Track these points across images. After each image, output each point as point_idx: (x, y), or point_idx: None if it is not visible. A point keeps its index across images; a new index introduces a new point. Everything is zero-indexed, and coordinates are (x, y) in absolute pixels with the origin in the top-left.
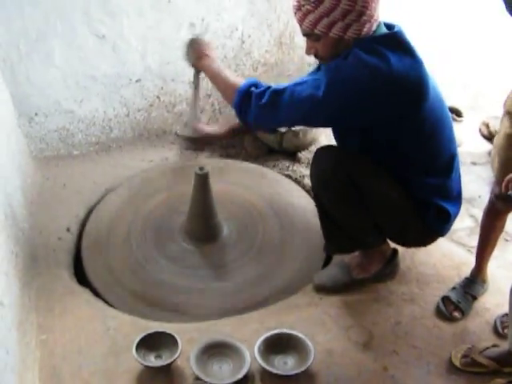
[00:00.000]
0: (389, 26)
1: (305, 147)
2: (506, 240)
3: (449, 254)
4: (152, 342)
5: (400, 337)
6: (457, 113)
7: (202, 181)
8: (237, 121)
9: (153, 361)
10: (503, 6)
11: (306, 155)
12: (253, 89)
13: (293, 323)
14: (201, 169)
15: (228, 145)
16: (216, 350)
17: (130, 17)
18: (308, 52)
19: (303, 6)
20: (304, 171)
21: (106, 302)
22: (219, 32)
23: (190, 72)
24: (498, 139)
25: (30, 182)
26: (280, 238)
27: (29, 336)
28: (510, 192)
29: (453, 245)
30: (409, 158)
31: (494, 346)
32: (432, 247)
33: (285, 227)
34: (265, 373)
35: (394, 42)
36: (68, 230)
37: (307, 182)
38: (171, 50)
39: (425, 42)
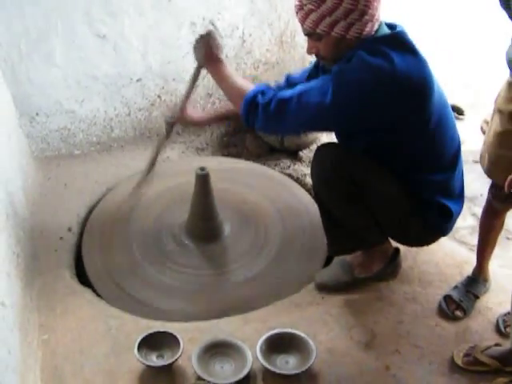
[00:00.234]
0: (391, 26)
1: (306, 146)
2: (508, 238)
3: (451, 253)
4: (154, 342)
5: (402, 336)
6: (458, 111)
7: (203, 181)
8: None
9: (154, 360)
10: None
11: (308, 154)
12: (259, 98)
13: (295, 322)
14: (202, 169)
15: (229, 144)
16: (218, 349)
17: (131, 16)
18: (309, 51)
19: (305, 5)
20: (305, 170)
21: (107, 301)
22: (220, 31)
23: (191, 71)
24: (487, 137)
25: (31, 182)
26: (281, 237)
27: (30, 336)
28: None
29: (455, 244)
30: (412, 157)
31: (497, 344)
32: (434, 246)
33: (286, 226)
34: (267, 372)
35: (397, 41)
36: (69, 229)
37: (308, 180)
38: (172, 49)
39: (426, 41)
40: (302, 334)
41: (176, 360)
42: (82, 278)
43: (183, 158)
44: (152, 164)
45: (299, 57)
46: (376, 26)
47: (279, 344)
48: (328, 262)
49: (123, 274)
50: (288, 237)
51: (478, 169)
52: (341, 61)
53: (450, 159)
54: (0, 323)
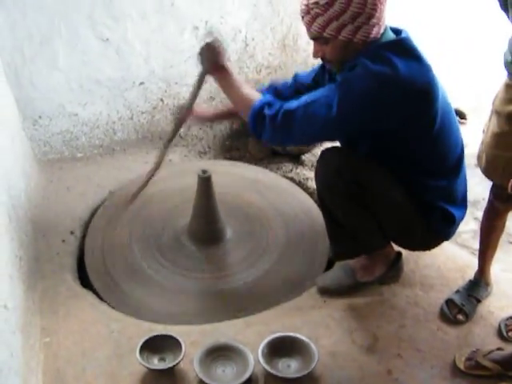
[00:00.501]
0: (395, 31)
1: (308, 150)
2: (510, 242)
3: (453, 257)
4: (155, 345)
5: (404, 340)
6: (461, 115)
7: (205, 184)
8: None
9: (156, 363)
10: (497, 2)
11: (310, 158)
12: (266, 110)
13: (297, 326)
14: (204, 172)
15: (232, 147)
16: (220, 352)
17: (134, 20)
18: (315, 55)
19: (312, 9)
20: (307, 174)
21: (109, 304)
22: (223, 35)
23: (194, 74)
24: (485, 137)
25: (33, 185)
26: (283, 240)
27: (33, 339)
28: None
29: (457, 248)
30: (415, 161)
31: (499, 349)
32: (436, 250)
33: (288, 230)
34: (268, 376)
35: (401, 48)
36: (72, 232)
37: (311, 184)
38: (175, 53)
39: (429, 45)
40: (304, 338)
41: (178, 363)
42: (84, 281)
43: (185, 162)
44: (157, 166)
45: (301, 60)
46: (382, 30)
47: (281, 347)
48: (330, 265)
49: (125, 277)
50: (290, 240)
51: (481, 173)
52: (344, 69)
53: (453, 164)
54: (2, 326)
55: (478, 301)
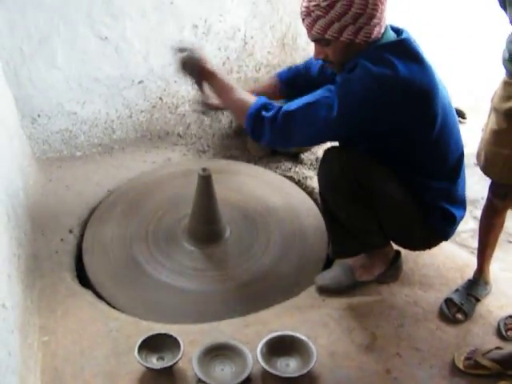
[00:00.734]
0: (396, 30)
1: (307, 149)
2: (509, 242)
3: (452, 256)
4: (154, 344)
5: (403, 339)
6: (461, 114)
7: (205, 182)
8: None
9: (155, 363)
10: (496, 1)
11: (309, 156)
12: (263, 113)
13: (295, 325)
14: (203, 170)
15: (231, 146)
16: (218, 352)
17: (133, 18)
18: (317, 57)
19: (313, 11)
20: (307, 172)
21: (108, 303)
22: (222, 33)
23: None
24: (484, 134)
25: (32, 184)
26: (282, 239)
27: (31, 338)
28: None
29: (456, 247)
30: (416, 162)
31: (498, 348)
32: (435, 249)
33: (287, 229)
34: (267, 375)
35: (402, 48)
36: (70, 231)
37: (310, 183)
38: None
39: (429, 44)
40: (303, 337)
41: (176, 362)
42: (83, 279)
43: (184, 160)
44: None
45: (301, 59)
46: (383, 29)
47: (280, 347)
48: (329, 264)
49: (124, 276)
50: (289, 239)
51: (480, 172)
52: (345, 69)
53: (454, 165)
54: (0, 325)
55: (477, 300)
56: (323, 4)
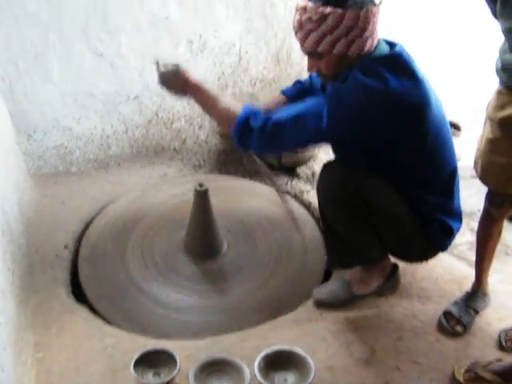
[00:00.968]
0: (390, 44)
1: (304, 163)
2: (507, 254)
3: (450, 269)
4: (150, 360)
5: (402, 352)
6: (456, 127)
7: (202, 197)
8: None
9: (151, 379)
10: (488, 10)
11: (305, 171)
12: (251, 122)
13: (293, 339)
14: (200, 185)
15: (227, 161)
16: (215, 367)
17: (128, 34)
18: (310, 70)
19: (305, 25)
20: (303, 187)
21: (104, 319)
22: (217, 49)
23: None
24: (480, 143)
25: (27, 199)
26: (279, 254)
27: (25, 354)
28: None
29: (454, 259)
30: (410, 175)
31: (498, 360)
32: (433, 262)
33: (284, 243)
34: None
35: (394, 62)
36: (65, 246)
37: (306, 197)
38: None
39: (424, 56)
40: (301, 351)
41: (173, 378)
42: (79, 295)
43: (180, 176)
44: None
45: (295, 74)
46: (375, 42)
47: (277, 361)
48: (326, 278)
49: (120, 291)
50: (286, 253)
51: (476, 184)
52: (336, 81)
53: (447, 179)
54: None
55: (476, 312)
56: (315, 17)
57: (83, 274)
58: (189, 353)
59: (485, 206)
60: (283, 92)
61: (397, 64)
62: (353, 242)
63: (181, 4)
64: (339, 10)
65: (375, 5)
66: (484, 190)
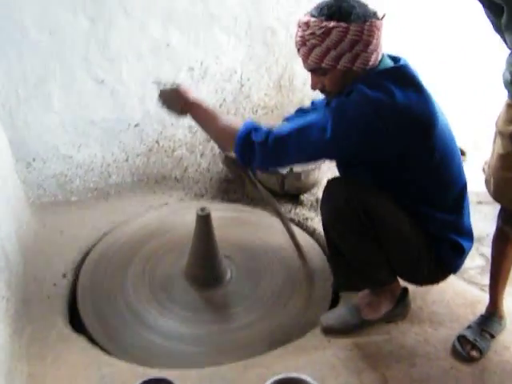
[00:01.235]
0: (394, 59)
1: (307, 190)
2: None
3: (461, 293)
4: None
5: (416, 380)
6: (461, 152)
7: (204, 222)
8: None
9: None
10: (491, 26)
11: (309, 198)
12: (253, 137)
13: (300, 367)
14: (202, 210)
15: (229, 190)
16: None
17: (129, 61)
18: (314, 87)
19: (308, 40)
20: (307, 214)
21: (102, 349)
22: (218, 75)
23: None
24: (491, 160)
25: (25, 228)
26: (284, 281)
27: None
28: None
29: (465, 283)
30: (417, 192)
31: None
32: (444, 286)
33: (288, 270)
34: None
35: (400, 75)
36: (64, 276)
37: (310, 224)
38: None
39: (426, 79)
40: (309, 379)
41: None
42: (77, 325)
43: (182, 204)
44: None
45: (298, 101)
46: (380, 56)
47: None
48: (333, 304)
49: (120, 321)
50: (291, 280)
51: (483, 209)
52: (341, 95)
53: (457, 196)
54: None
55: (492, 336)
56: (318, 32)
57: (82, 303)
58: (190, 383)
59: (498, 225)
60: (286, 120)
61: (402, 77)
62: (360, 263)
63: (182, 31)
64: (343, 24)
65: (379, 18)
66: (491, 215)
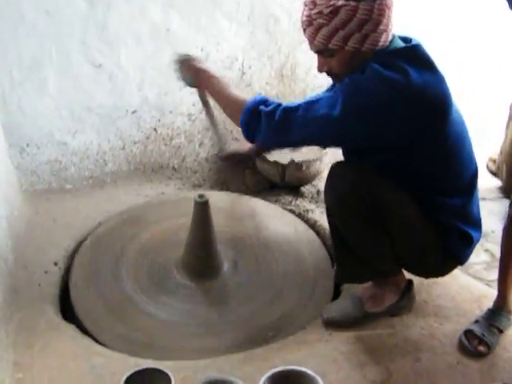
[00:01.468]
0: (405, 39)
1: (308, 181)
2: None
3: (467, 287)
4: (142, 381)
5: (421, 375)
6: None
7: (202, 209)
8: None
9: None
10: (506, 3)
11: (310, 189)
12: (262, 107)
13: (300, 360)
14: (200, 196)
15: (228, 180)
16: None
17: (128, 46)
18: (320, 70)
19: (315, 20)
20: (308, 206)
21: (95, 339)
22: (219, 63)
23: (189, 103)
24: (504, 145)
25: (17, 215)
26: (283, 272)
27: (2, 374)
28: None
29: (470, 278)
30: (428, 178)
31: None
32: (448, 279)
33: (288, 261)
34: None
35: (413, 55)
36: (56, 264)
37: (311, 216)
38: (169, 80)
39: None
40: (310, 372)
41: None
42: (68, 314)
43: (179, 194)
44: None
45: (300, 91)
46: (390, 37)
47: (284, 383)
48: (336, 297)
49: (113, 310)
50: (290, 272)
51: (487, 206)
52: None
53: (468, 182)
54: None
55: (500, 331)
56: (326, 11)
57: (74, 291)
58: (185, 374)
59: (509, 214)
60: None
61: (416, 57)
62: (364, 253)
63: (182, 15)
64: (352, 3)
65: None
66: (496, 211)
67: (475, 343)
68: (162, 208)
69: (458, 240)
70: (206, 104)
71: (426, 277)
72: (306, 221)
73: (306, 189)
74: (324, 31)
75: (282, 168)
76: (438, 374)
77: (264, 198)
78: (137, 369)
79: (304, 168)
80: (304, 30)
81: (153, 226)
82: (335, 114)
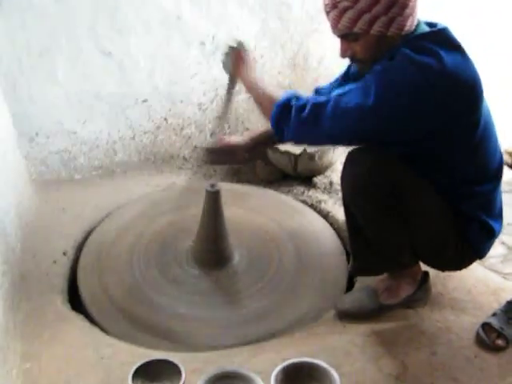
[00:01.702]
0: (430, 24)
1: (321, 172)
2: None
3: (484, 280)
4: (151, 372)
5: (437, 368)
6: None
7: (213, 199)
8: (258, 131)
9: None
10: None
11: (322, 180)
12: (293, 102)
13: (314, 353)
14: (212, 186)
15: (239, 171)
16: (226, 381)
17: (138, 34)
18: (344, 55)
19: (339, 2)
20: (320, 196)
21: (103, 329)
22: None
23: (200, 91)
24: None
25: (26, 205)
26: (296, 264)
27: (10, 364)
28: None
29: (486, 271)
30: (455, 166)
31: None
32: (464, 272)
33: (300, 254)
34: None
35: (442, 38)
36: (64, 253)
37: (324, 207)
38: (180, 69)
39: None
40: (324, 364)
41: None
42: (77, 304)
43: (190, 184)
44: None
45: (311, 81)
46: (416, 21)
47: (297, 376)
48: (350, 288)
49: (122, 300)
50: (303, 263)
51: (504, 199)
52: (381, 61)
53: (494, 171)
54: None
55: None
56: None
57: (82, 281)
58: (195, 366)
59: None
60: (316, 92)
61: (445, 40)
62: (381, 244)
63: (193, 3)
64: None
65: None
66: None
67: (493, 337)
68: (173, 198)
69: (479, 232)
70: (229, 93)
71: (443, 270)
72: (319, 212)
73: (318, 179)
74: (349, 14)
75: (294, 158)
76: (455, 367)
77: (276, 189)
78: (146, 360)
79: (317, 158)
80: (327, 13)
81: (163, 217)
82: (369, 103)
